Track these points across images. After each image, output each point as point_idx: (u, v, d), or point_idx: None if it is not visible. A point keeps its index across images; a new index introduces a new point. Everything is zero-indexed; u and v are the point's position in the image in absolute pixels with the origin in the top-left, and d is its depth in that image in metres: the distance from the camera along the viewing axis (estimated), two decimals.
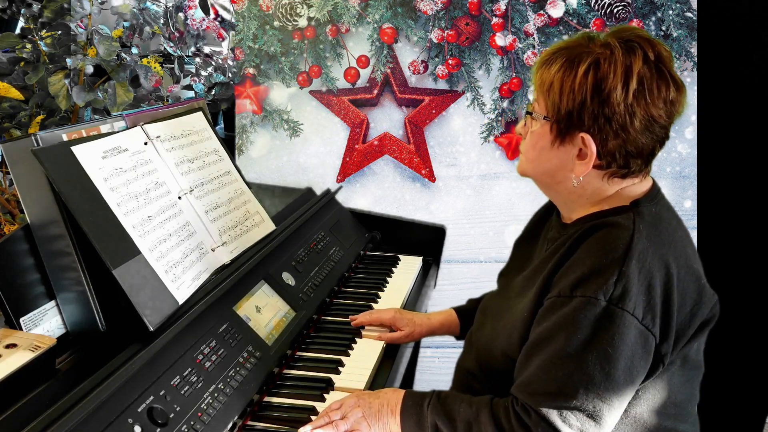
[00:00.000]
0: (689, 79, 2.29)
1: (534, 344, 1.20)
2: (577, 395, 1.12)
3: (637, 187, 1.26)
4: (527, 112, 1.29)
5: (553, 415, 1.13)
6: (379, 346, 1.64)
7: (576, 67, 1.18)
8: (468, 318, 1.66)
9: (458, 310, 1.69)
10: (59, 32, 2.43)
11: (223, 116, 3.15)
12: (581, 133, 1.19)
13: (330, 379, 1.47)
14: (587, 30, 1.24)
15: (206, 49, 2.98)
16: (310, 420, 1.32)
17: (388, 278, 2.02)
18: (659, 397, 1.23)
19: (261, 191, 1.86)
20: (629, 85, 1.15)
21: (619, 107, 1.16)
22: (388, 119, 2.45)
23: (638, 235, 1.16)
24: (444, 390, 1.31)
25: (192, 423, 1.19)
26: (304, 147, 2.48)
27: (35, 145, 1.25)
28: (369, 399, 1.30)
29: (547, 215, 1.43)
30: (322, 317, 1.77)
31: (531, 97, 2.38)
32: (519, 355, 1.23)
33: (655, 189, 1.28)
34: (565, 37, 2.34)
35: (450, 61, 2.40)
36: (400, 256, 2.19)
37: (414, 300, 2.00)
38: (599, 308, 1.12)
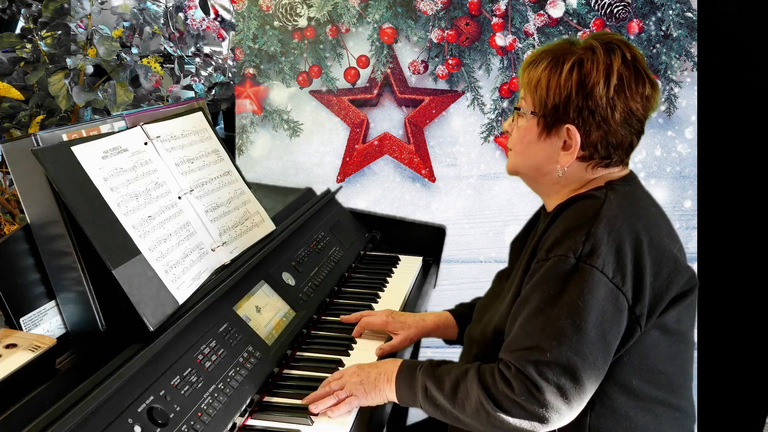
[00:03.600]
0: (689, 79, 2.29)
1: (515, 308, 1.27)
2: (551, 348, 1.18)
3: (615, 174, 1.34)
4: (515, 108, 1.38)
5: (530, 369, 1.19)
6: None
7: (561, 66, 1.28)
8: (465, 322, 1.66)
9: (455, 313, 1.71)
10: (59, 32, 2.43)
11: (223, 116, 3.15)
12: (566, 125, 1.28)
13: None
14: (567, 37, 1.34)
15: (206, 49, 2.98)
16: (311, 420, 1.32)
17: (388, 278, 2.02)
18: (644, 364, 1.27)
19: (261, 191, 1.85)
20: (610, 80, 1.25)
21: (601, 100, 1.25)
22: (388, 119, 2.45)
23: (608, 204, 1.25)
24: (439, 359, 1.37)
25: (192, 423, 1.19)
26: (304, 147, 2.48)
27: (35, 145, 1.25)
28: (368, 368, 1.39)
29: (539, 217, 1.48)
30: (322, 317, 1.77)
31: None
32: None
33: (631, 175, 1.36)
34: (565, 37, 2.35)
35: (450, 61, 2.40)
36: (400, 256, 2.19)
37: (414, 300, 2.00)
38: (569, 265, 1.20)
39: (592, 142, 1.29)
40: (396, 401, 1.36)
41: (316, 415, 1.34)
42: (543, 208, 1.43)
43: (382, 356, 1.60)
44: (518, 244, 1.50)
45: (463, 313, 1.69)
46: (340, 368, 1.52)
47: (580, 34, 2.34)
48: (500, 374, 1.22)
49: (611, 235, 1.21)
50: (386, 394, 1.35)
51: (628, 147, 1.32)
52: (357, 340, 1.65)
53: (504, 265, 1.56)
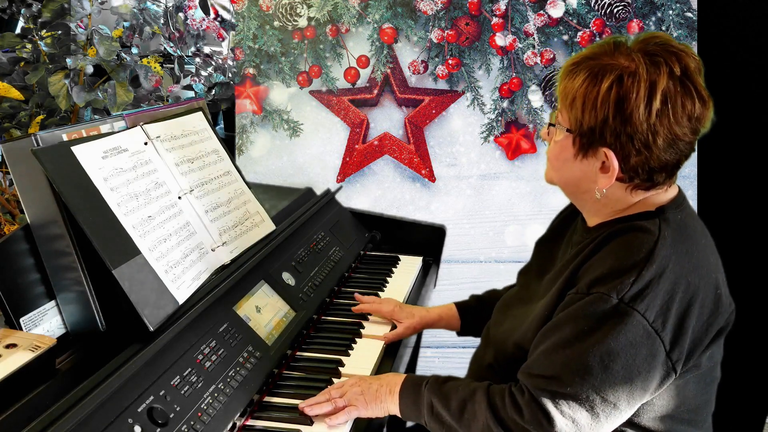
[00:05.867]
0: None
1: (542, 333, 1.22)
2: (572, 383, 1.14)
3: (662, 195, 1.26)
4: (550, 124, 1.29)
5: (546, 399, 1.15)
6: (379, 346, 1.64)
7: (599, 83, 1.17)
8: (470, 314, 1.67)
9: (459, 306, 1.70)
10: (59, 32, 2.43)
11: (223, 116, 3.15)
12: (603, 148, 1.19)
13: (330, 379, 1.47)
14: (614, 36, 1.24)
15: (206, 49, 2.98)
16: (311, 421, 1.32)
17: (388, 278, 2.02)
18: (673, 404, 1.23)
19: (261, 191, 1.85)
20: (653, 104, 1.14)
21: (641, 126, 1.15)
22: (388, 119, 2.45)
23: (663, 241, 1.17)
24: (444, 375, 1.34)
25: (192, 423, 1.19)
26: (304, 147, 2.48)
27: (35, 145, 1.25)
28: (370, 380, 1.36)
29: (571, 217, 1.43)
30: (322, 317, 1.77)
31: (532, 97, 2.38)
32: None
33: (680, 196, 1.28)
34: (565, 38, 2.34)
35: (450, 61, 2.40)
36: (400, 256, 2.19)
37: (414, 300, 2.00)
38: (609, 305, 1.13)
39: (631, 167, 1.19)
40: (398, 415, 1.33)
41: (311, 423, 1.32)
42: (581, 216, 1.35)
43: (388, 343, 1.65)
44: (545, 245, 1.46)
45: (470, 305, 1.69)
46: (340, 368, 1.52)
47: (580, 34, 2.34)
48: (511, 398, 1.19)
49: (663, 277, 1.14)
50: (388, 407, 1.32)
51: (673, 168, 1.22)
52: (357, 340, 1.65)
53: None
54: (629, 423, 1.22)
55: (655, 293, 1.13)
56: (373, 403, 1.33)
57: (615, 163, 1.19)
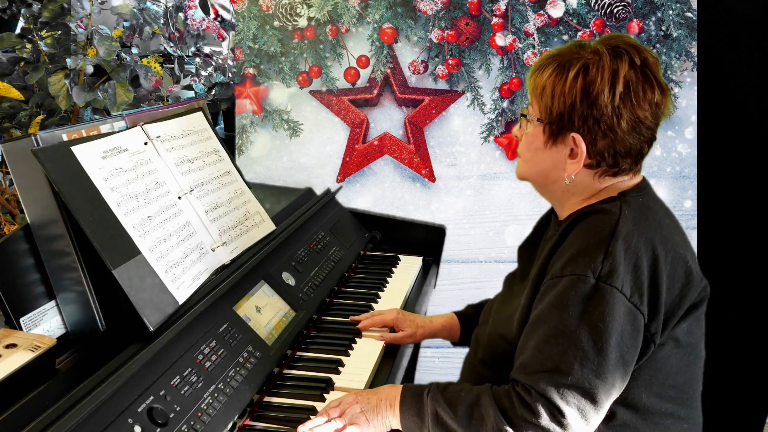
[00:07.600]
0: (689, 79, 2.29)
1: (530, 326, 1.24)
2: (573, 371, 1.16)
3: (626, 182, 1.32)
4: (522, 115, 1.36)
5: (552, 392, 1.16)
6: (379, 346, 1.64)
7: (566, 72, 1.25)
8: (469, 323, 1.67)
9: (460, 315, 1.71)
10: (59, 32, 2.43)
11: (223, 116, 3.15)
12: (572, 133, 1.26)
13: (330, 379, 1.47)
14: (577, 39, 1.31)
15: (206, 49, 2.98)
16: (310, 420, 1.32)
17: (388, 278, 2.02)
18: (655, 379, 1.26)
19: (261, 191, 1.85)
20: (616, 88, 1.22)
21: (606, 109, 1.23)
22: (388, 119, 2.45)
23: (624, 219, 1.23)
24: (442, 381, 1.33)
25: (192, 423, 1.19)
26: (304, 147, 2.48)
27: (35, 145, 1.25)
28: (367, 395, 1.33)
29: (548, 221, 1.46)
30: (322, 317, 1.77)
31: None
32: (518, 340, 1.27)
33: (643, 183, 1.34)
34: (565, 38, 2.35)
35: (450, 61, 2.40)
36: (400, 256, 2.19)
37: (414, 300, 1.99)
38: (588, 285, 1.18)
39: (598, 151, 1.26)
40: (399, 428, 1.30)
41: None
42: (554, 214, 1.41)
43: (384, 341, 1.65)
44: (527, 250, 1.48)
45: (468, 314, 1.70)
46: (340, 368, 1.52)
47: (580, 34, 2.34)
48: (519, 398, 1.19)
49: (628, 252, 1.19)
50: (389, 421, 1.30)
51: (637, 154, 1.28)
52: (357, 340, 1.65)
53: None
54: (617, 402, 1.24)
55: (625, 268, 1.18)
56: (374, 418, 1.30)
57: (583, 147, 1.26)
